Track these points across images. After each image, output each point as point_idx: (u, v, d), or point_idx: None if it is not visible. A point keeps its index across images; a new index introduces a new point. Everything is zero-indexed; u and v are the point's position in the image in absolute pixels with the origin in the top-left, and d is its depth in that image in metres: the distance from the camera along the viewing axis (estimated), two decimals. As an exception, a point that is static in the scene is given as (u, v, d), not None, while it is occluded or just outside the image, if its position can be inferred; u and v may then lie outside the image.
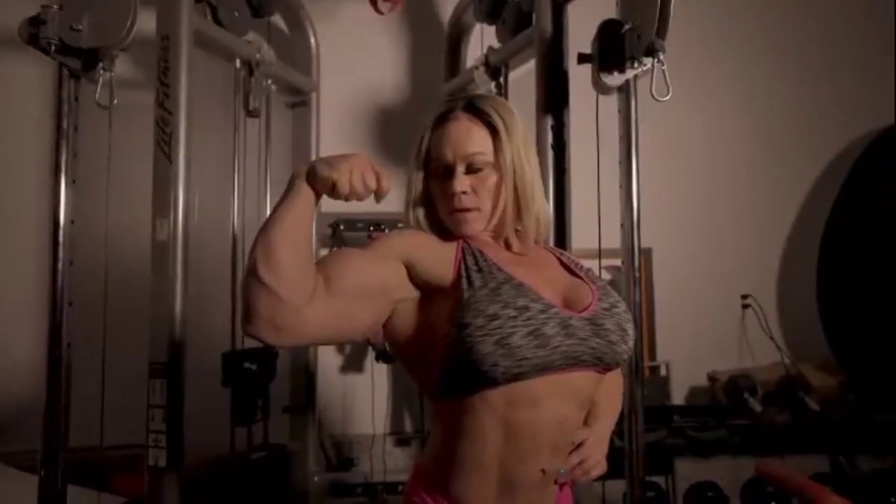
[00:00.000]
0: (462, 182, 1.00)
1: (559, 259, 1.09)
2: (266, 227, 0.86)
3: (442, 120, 1.03)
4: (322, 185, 0.87)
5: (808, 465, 2.17)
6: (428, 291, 0.96)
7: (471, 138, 1.01)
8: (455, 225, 1.02)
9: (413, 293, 0.96)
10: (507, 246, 1.05)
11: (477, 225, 1.02)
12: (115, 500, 1.76)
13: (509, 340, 0.89)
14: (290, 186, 0.88)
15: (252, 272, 0.83)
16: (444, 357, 0.93)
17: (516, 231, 1.05)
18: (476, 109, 1.02)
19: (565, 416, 0.96)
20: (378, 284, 0.92)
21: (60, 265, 1.61)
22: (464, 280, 0.95)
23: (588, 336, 0.95)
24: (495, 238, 1.05)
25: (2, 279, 2.27)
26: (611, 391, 1.12)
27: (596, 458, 1.03)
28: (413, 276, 0.95)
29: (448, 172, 1.01)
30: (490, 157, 1.01)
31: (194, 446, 1.61)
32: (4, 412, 2.08)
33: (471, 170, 1.00)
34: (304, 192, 0.87)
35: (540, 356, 0.91)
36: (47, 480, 1.54)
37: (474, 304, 0.92)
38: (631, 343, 1.00)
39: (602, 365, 0.98)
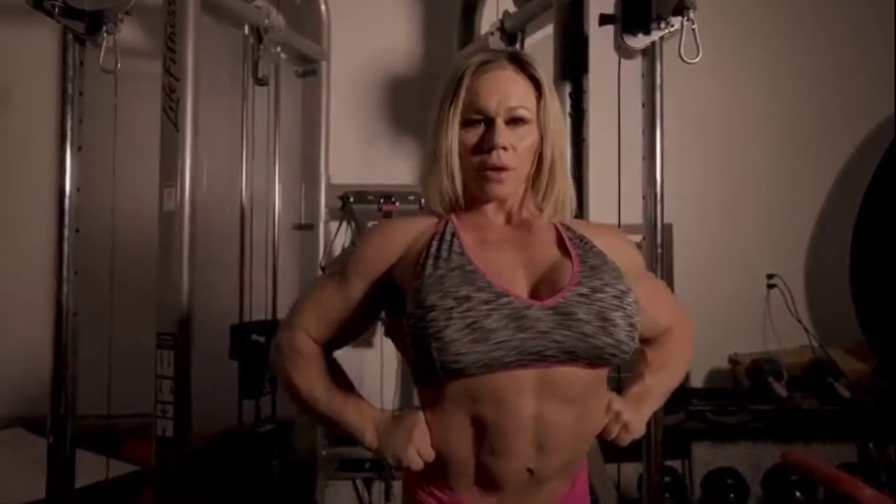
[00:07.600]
0: (504, 135, 0.95)
1: (560, 235, 1.01)
2: (315, 406, 1.03)
3: (484, 68, 0.97)
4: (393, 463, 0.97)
5: (833, 453, 2.18)
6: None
7: (517, 90, 0.97)
8: (483, 184, 0.97)
9: (393, 286, 1.00)
10: (508, 218, 1.02)
11: (509, 186, 0.98)
12: (125, 466, 1.86)
13: (443, 334, 0.85)
14: (355, 431, 1.01)
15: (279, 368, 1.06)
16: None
17: (523, 201, 1.02)
18: (521, 62, 0.99)
19: (544, 412, 0.90)
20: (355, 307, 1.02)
21: (67, 233, 1.66)
22: (420, 267, 0.93)
23: (551, 328, 0.88)
24: (502, 206, 1.01)
25: (10, 247, 2.36)
26: (671, 348, 1.10)
27: (623, 420, 1.00)
28: (388, 279, 1.00)
29: (487, 124, 0.96)
30: (532, 115, 0.97)
31: (202, 418, 1.69)
32: (22, 380, 2.18)
33: (512, 124, 0.96)
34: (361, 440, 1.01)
35: (479, 351, 0.86)
36: (55, 446, 1.62)
37: (417, 294, 0.90)
38: (621, 334, 0.90)
39: (581, 360, 0.90)
